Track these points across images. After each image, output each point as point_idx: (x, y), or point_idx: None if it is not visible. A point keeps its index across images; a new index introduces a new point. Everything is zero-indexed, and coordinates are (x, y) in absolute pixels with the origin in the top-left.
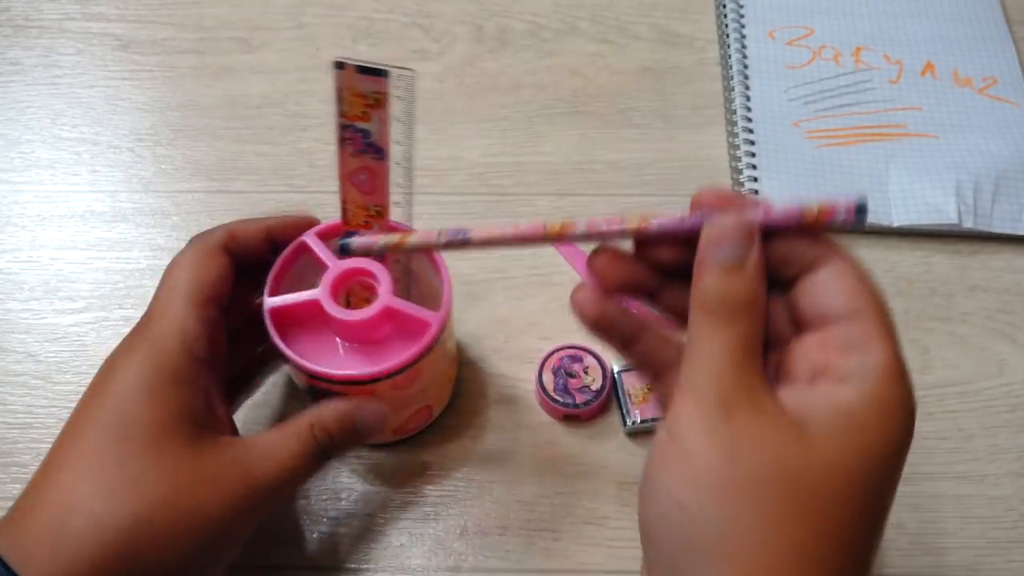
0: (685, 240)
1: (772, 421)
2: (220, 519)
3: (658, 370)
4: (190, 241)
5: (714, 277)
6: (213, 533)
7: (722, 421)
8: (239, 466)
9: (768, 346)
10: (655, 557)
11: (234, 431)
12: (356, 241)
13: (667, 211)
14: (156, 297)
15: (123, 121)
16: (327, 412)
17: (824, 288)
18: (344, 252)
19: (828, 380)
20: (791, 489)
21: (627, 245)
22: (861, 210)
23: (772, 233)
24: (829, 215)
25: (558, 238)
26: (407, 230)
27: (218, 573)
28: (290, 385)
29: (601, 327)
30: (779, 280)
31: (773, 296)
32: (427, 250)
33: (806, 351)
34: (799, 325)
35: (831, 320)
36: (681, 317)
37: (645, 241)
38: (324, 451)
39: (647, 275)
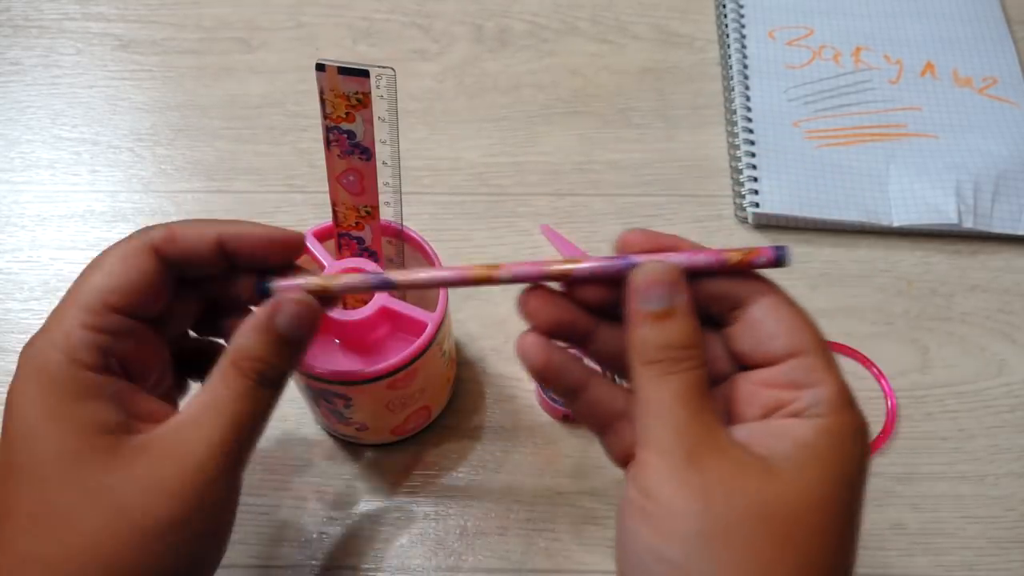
0: (614, 280)
1: (739, 461)
2: (174, 524)
3: (606, 421)
4: (128, 236)
5: (648, 327)
6: (175, 540)
7: (691, 469)
8: (171, 460)
9: (710, 383)
10: None
11: (171, 413)
12: (277, 284)
13: (593, 256)
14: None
15: (123, 121)
16: (242, 336)
17: (762, 327)
18: (263, 295)
19: (781, 416)
20: (770, 526)
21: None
22: (780, 259)
23: (699, 272)
24: (749, 262)
25: (483, 282)
26: (349, 269)
27: (215, 565)
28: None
29: (547, 375)
30: (711, 316)
31: (707, 332)
32: (355, 293)
33: (753, 389)
34: (739, 360)
35: (774, 358)
36: (616, 358)
37: (575, 282)
38: (264, 381)
39: (580, 316)
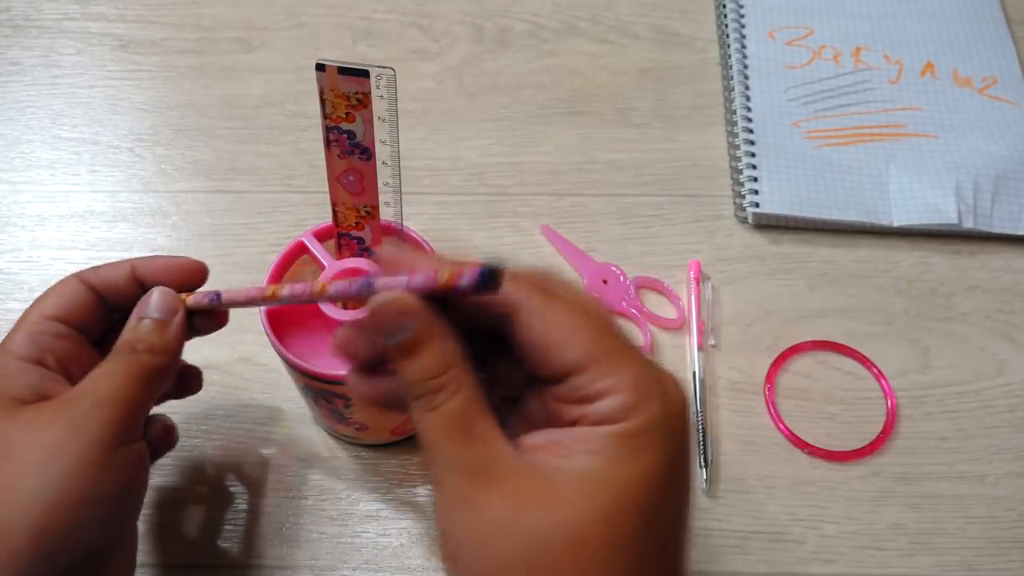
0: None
1: (518, 491)
2: (59, 448)
3: None
4: None
5: (399, 364)
6: (63, 468)
7: (468, 509)
8: (56, 409)
9: (517, 395)
10: None
11: None
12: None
13: (337, 282)
14: None
15: (123, 121)
16: (127, 324)
17: (531, 348)
18: None
19: (579, 427)
20: (554, 555)
21: None
22: (485, 276)
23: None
24: (452, 286)
25: (270, 301)
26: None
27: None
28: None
29: (384, 405)
30: (498, 331)
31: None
32: (203, 309)
33: (553, 403)
34: (538, 371)
35: (555, 376)
36: None
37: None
38: (139, 349)
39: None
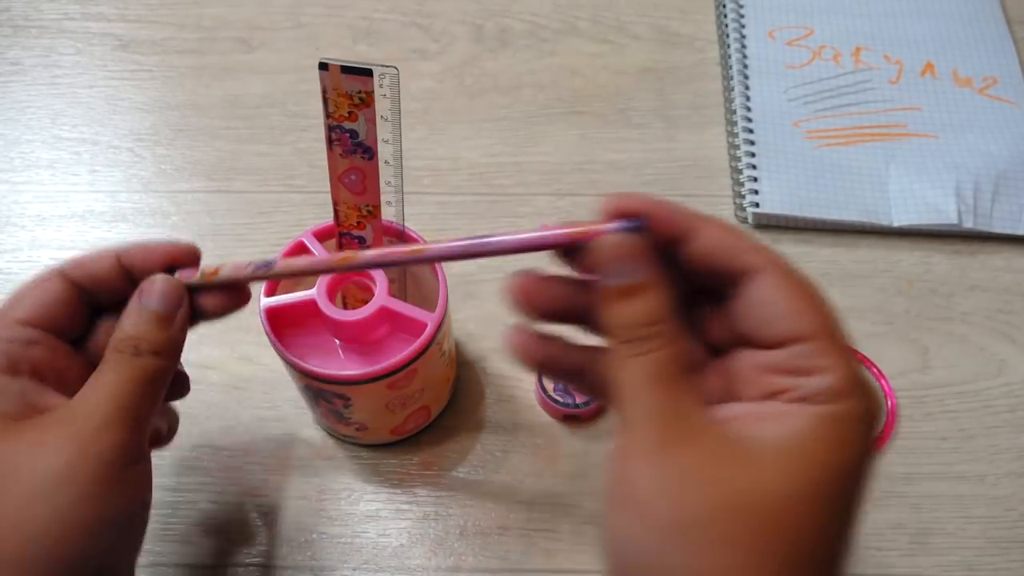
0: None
1: (714, 450)
2: (61, 479)
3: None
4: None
5: (614, 305)
6: (67, 494)
7: (663, 457)
8: (57, 426)
9: (709, 359)
10: None
11: None
12: (179, 273)
13: (453, 238)
14: None
15: (123, 121)
16: (120, 321)
17: (762, 309)
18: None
19: (779, 402)
20: (745, 518)
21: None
22: (635, 225)
23: (690, 243)
24: (598, 230)
25: (346, 268)
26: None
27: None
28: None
29: (546, 368)
30: (710, 289)
31: (707, 305)
32: (237, 282)
33: (754, 371)
34: (741, 339)
35: (775, 342)
36: None
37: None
38: (140, 352)
39: (573, 294)
